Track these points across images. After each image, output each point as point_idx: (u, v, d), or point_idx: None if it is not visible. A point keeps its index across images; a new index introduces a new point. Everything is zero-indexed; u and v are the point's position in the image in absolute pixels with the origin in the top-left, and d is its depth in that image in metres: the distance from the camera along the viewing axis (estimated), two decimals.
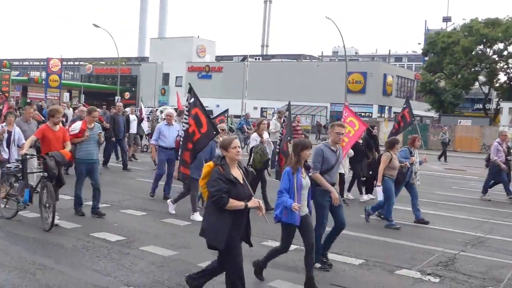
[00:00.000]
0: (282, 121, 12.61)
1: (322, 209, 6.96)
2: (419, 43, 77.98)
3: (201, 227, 5.26)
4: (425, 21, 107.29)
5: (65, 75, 77.38)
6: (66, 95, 69.00)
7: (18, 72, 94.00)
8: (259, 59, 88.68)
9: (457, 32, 51.68)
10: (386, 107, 62.04)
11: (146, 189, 12.36)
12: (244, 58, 68.78)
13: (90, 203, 9.66)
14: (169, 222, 9.41)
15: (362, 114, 55.74)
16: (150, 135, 21.81)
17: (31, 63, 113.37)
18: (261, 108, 64.82)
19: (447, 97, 50.19)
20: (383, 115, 56.73)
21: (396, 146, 10.12)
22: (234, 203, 5.02)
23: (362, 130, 11.79)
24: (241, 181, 5.21)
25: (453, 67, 49.89)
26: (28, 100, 51.93)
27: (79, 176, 9.48)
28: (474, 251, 8.60)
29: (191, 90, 9.44)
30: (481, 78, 52.73)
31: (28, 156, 8.69)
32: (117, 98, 53.75)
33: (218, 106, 61.86)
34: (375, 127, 14.17)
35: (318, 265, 6.85)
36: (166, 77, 76.80)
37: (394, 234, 9.37)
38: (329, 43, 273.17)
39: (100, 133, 9.58)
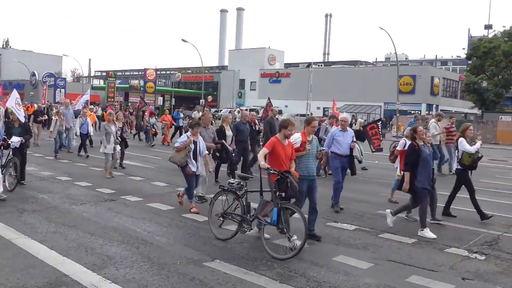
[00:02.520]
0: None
1: None
2: (463, 48, 74.86)
3: None
4: (469, 28, 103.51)
5: (159, 82, 79.43)
6: (160, 99, 71.18)
7: (120, 81, 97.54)
8: (321, 65, 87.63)
9: (497, 38, 49.90)
10: (434, 105, 60.09)
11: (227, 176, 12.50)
12: (309, 65, 68.16)
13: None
14: None
15: (412, 112, 54.28)
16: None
17: (131, 73, 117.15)
18: (323, 108, 64.22)
19: (489, 96, 49.03)
20: (431, 113, 54.76)
21: None
22: None
23: None
24: None
25: (494, 69, 48.13)
26: (129, 104, 53.76)
27: (300, 195, 7.10)
28: None
29: None
30: None
31: (271, 171, 6.46)
32: (202, 101, 54.89)
33: (286, 106, 61.87)
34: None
35: None
36: (242, 82, 77.46)
37: (443, 217, 8.96)
38: (382, 50, 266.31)
39: (323, 149, 7.91)
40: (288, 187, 6.39)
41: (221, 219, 7.06)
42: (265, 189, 6.65)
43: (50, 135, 16.67)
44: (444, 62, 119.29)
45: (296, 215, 6.62)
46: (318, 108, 61.58)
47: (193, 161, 8.63)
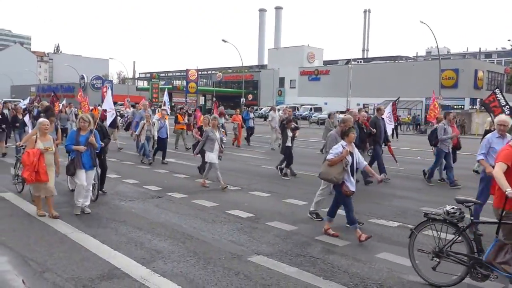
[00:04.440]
0: None
1: None
2: (508, 40, 72.02)
3: None
4: None
5: (200, 82, 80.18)
6: (201, 98, 72.09)
7: (164, 82, 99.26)
8: (361, 61, 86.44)
9: None
10: (478, 100, 58.13)
11: (269, 173, 12.57)
12: (348, 61, 67.42)
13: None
14: (290, 202, 9.45)
15: (455, 106, 52.77)
16: None
17: (174, 73, 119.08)
18: (363, 104, 63.29)
19: None
20: (474, 107, 53.05)
21: None
22: None
23: None
24: None
25: None
26: (173, 104, 54.59)
27: None
28: None
29: None
30: None
31: None
32: (242, 99, 55.18)
33: (326, 103, 61.45)
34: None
35: None
36: (282, 80, 77.42)
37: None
38: (422, 44, 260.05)
39: None
40: None
41: (436, 259, 5.22)
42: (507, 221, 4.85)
43: (140, 139, 15.19)
44: (488, 55, 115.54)
45: None
46: (358, 104, 60.75)
47: (351, 177, 6.93)
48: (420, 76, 56.81)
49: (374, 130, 11.96)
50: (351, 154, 6.92)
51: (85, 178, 8.01)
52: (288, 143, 12.60)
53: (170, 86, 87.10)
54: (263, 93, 78.26)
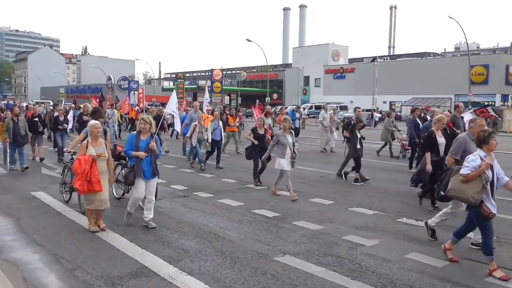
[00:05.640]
0: None
1: None
2: None
3: None
4: None
5: (225, 82, 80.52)
6: (226, 98, 72.30)
7: (189, 81, 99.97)
8: (387, 59, 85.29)
9: None
10: (509, 96, 56.62)
11: (295, 173, 12.49)
12: (374, 59, 66.63)
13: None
14: (316, 202, 9.38)
15: (486, 103, 51.65)
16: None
17: (198, 73, 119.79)
18: (390, 102, 62.56)
19: None
20: (506, 103, 51.74)
21: None
22: None
23: None
24: None
25: None
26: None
27: None
28: None
29: None
30: None
31: None
32: (267, 99, 55.13)
33: (352, 102, 60.85)
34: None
35: None
36: (306, 79, 77.12)
37: None
38: (451, 40, 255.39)
39: None
40: None
41: None
42: None
43: (191, 141, 14.06)
44: None
45: None
46: (385, 102, 60.20)
47: (491, 197, 5.56)
48: (449, 72, 55.81)
49: (459, 131, 9.80)
50: (491, 167, 5.49)
51: (145, 188, 7.25)
52: (358, 145, 11.74)
53: (195, 86, 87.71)
54: (288, 92, 78.11)
